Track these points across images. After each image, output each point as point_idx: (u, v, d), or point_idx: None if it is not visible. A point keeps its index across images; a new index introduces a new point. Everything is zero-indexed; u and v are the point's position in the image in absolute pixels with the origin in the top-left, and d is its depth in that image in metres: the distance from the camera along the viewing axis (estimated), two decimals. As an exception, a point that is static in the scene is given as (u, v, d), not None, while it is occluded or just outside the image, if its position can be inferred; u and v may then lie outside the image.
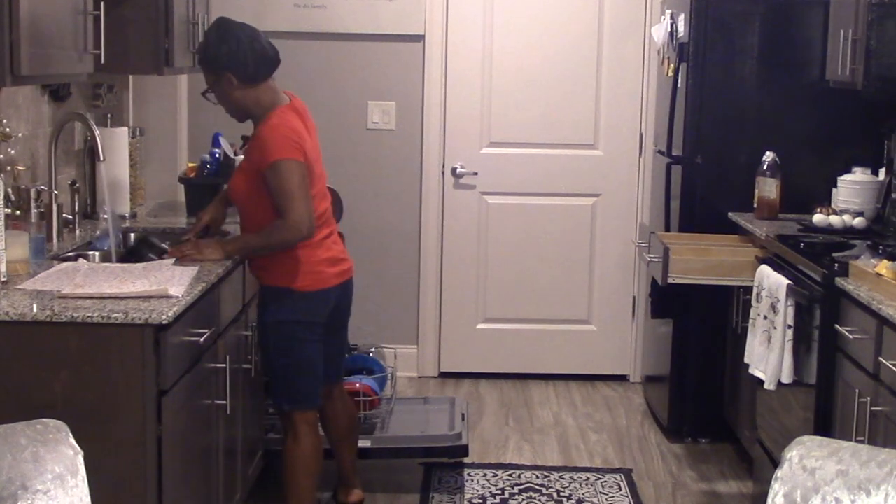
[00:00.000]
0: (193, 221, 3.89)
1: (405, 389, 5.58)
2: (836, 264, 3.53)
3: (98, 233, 3.90)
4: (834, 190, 4.54)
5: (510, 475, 4.48)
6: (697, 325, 4.83)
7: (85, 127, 4.01)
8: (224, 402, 3.39)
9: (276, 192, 3.45)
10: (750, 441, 4.30)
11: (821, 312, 3.55)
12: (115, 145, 4.23)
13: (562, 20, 5.62)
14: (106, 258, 3.65)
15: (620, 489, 4.36)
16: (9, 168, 3.53)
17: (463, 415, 4.64)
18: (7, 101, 3.62)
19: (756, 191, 4.58)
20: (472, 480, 4.41)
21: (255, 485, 4.09)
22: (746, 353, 4.00)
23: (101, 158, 3.73)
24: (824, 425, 3.52)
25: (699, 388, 4.87)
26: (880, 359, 3.09)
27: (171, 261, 3.42)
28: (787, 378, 3.71)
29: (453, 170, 5.69)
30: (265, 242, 3.53)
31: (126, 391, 2.76)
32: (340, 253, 3.74)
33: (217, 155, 4.52)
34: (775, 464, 2.85)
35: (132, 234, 4.08)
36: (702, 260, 4.26)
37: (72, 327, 2.73)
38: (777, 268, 3.89)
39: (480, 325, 5.82)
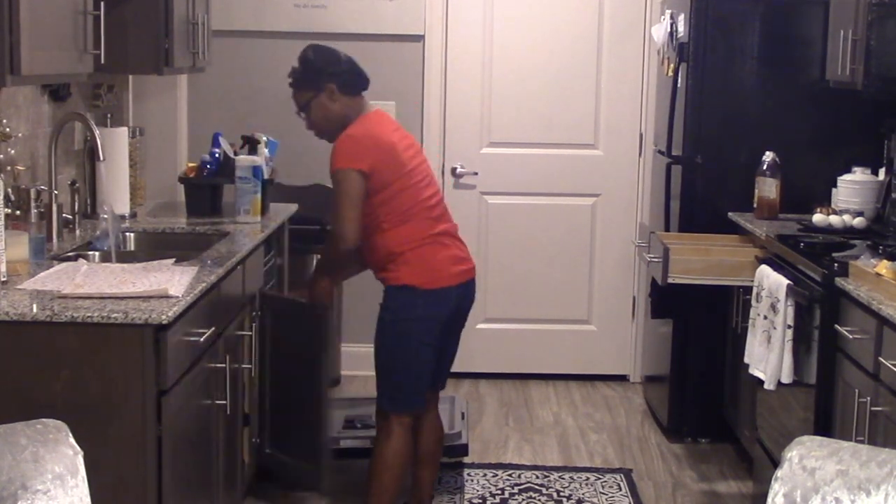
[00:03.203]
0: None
1: (405, 389, 5.58)
2: (836, 264, 3.53)
3: (98, 233, 3.90)
4: (834, 190, 4.54)
5: (510, 475, 4.48)
6: (697, 325, 4.83)
7: (85, 127, 4.01)
8: (224, 402, 3.39)
9: (332, 197, 3.63)
10: (750, 441, 4.30)
11: (821, 312, 3.55)
12: (115, 145, 4.23)
13: (562, 20, 5.62)
14: (106, 258, 3.65)
15: (620, 489, 4.36)
16: (9, 168, 3.53)
17: (463, 414, 4.64)
18: (7, 101, 3.62)
19: (756, 191, 4.58)
20: (472, 480, 4.41)
21: (255, 485, 4.09)
22: (746, 353, 4.00)
23: (101, 158, 3.73)
24: (824, 425, 3.52)
25: (699, 388, 4.87)
26: (880, 359, 3.09)
27: (171, 261, 3.43)
28: (786, 378, 3.71)
29: (453, 170, 5.69)
30: (325, 259, 3.84)
31: (126, 391, 2.76)
32: (461, 251, 3.77)
33: (217, 155, 4.52)
34: (775, 464, 2.85)
35: (131, 234, 4.09)
36: (702, 260, 4.26)
37: (72, 327, 2.73)
38: (777, 268, 3.89)
39: (480, 325, 5.82)
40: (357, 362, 5.42)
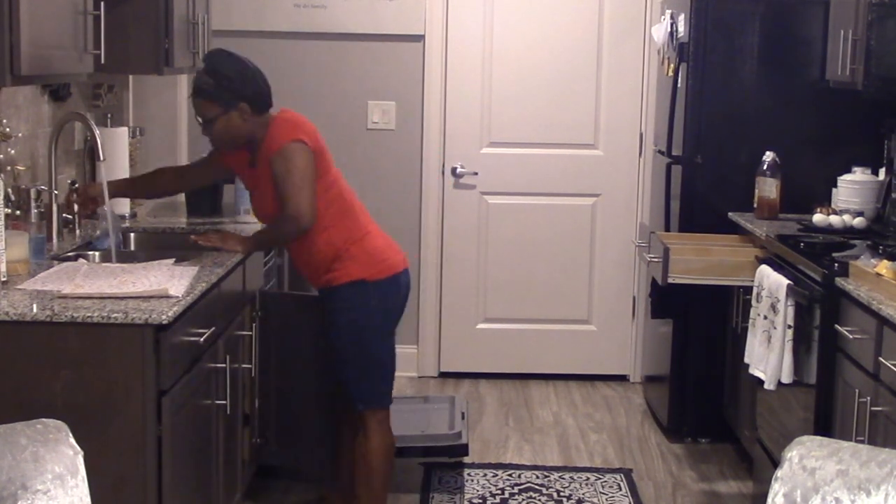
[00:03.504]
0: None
1: (405, 389, 5.58)
2: (836, 264, 3.53)
3: (98, 233, 3.90)
4: (834, 190, 4.54)
5: (510, 475, 4.48)
6: (697, 325, 4.83)
7: (85, 127, 4.01)
8: (224, 402, 3.39)
9: (279, 178, 3.48)
10: (750, 441, 4.30)
11: (821, 312, 3.55)
12: (115, 145, 4.23)
13: (562, 20, 5.62)
14: (106, 258, 3.65)
15: (620, 489, 4.36)
16: (9, 168, 3.53)
17: (463, 414, 4.64)
18: (7, 101, 3.62)
19: (756, 191, 4.58)
20: (472, 480, 4.41)
21: (255, 485, 4.09)
22: (746, 353, 4.00)
23: (101, 158, 3.73)
24: (824, 425, 3.52)
25: (699, 388, 4.87)
26: (880, 359, 3.09)
27: (171, 261, 3.43)
28: (787, 378, 3.71)
29: (453, 170, 5.69)
30: (275, 235, 3.70)
31: (126, 391, 2.76)
32: (390, 238, 3.75)
33: (217, 155, 4.51)
34: (775, 464, 2.85)
35: (132, 234, 4.09)
36: (702, 260, 4.26)
37: (72, 327, 2.73)
38: (777, 268, 3.89)
39: (480, 325, 5.82)
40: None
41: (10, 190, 3.40)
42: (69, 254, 3.57)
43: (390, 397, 3.73)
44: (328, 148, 3.66)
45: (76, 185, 3.87)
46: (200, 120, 3.53)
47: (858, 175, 4.47)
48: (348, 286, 3.59)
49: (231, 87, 3.46)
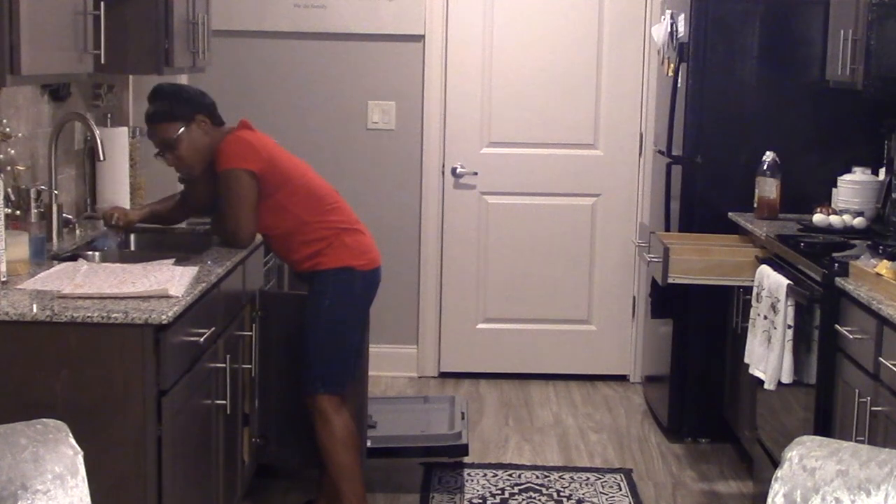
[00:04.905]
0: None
1: (405, 389, 5.58)
2: (836, 264, 3.54)
3: (98, 233, 3.90)
4: (834, 190, 4.54)
5: (510, 475, 4.48)
6: (697, 325, 4.83)
7: (85, 127, 4.01)
8: (224, 402, 3.39)
9: (220, 196, 3.64)
10: (750, 441, 4.31)
11: (821, 312, 3.55)
12: (115, 145, 4.23)
13: (562, 20, 5.62)
14: (106, 258, 3.65)
15: (620, 489, 4.36)
16: (9, 168, 3.53)
17: (463, 413, 4.64)
18: (7, 101, 3.62)
19: (756, 191, 4.59)
20: (472, 480, 4.41)
21: (255, 485, 4.09)
22: (746, 353, 4.00)
23: (101, 158, 3.73)
24: (824, 425, 3.52)
25: (699, 388, 4.87)
26: (880, 359, 3.09)
27: (171, 261, 3.43)
28: (787, 378, 3.72)
29: (453, 170, 5.69)
30: (216, 235, 3.77)
31: (126, 391, 2.76)
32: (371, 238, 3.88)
33: (217, 155, 4.51)
34: (775, 464, 2.85)
35: (132, 234, 4.09)
36: (702, 260, 4.26)
37: (72, 327, 2.73)
38: (777, 268, 3.89)
39: (480, 325, 5.82)
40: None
41: (10, 190, 3.40)
42: (69, 254, 3.57)
43: (346, 386, 3.79)
44: (293, 154, 3.79)
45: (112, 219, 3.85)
46: (164, 153, 3.64)
47: (858, 175, 4.47)
48: (336, 272, 3.70)
49: (185, 99, 3.61)
